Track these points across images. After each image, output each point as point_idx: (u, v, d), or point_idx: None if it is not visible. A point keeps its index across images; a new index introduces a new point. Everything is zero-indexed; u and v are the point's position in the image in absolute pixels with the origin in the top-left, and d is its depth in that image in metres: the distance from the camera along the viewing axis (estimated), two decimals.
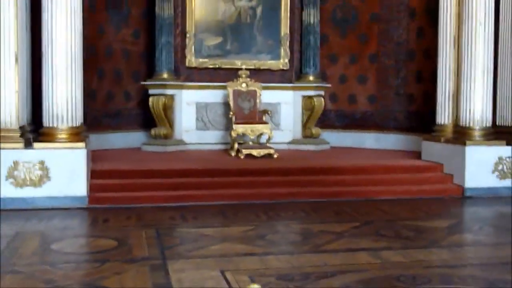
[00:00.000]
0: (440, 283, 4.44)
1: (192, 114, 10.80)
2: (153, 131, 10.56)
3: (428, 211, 7.41)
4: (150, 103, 10.40)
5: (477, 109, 8.47)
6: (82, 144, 7.38)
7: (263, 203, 7.65)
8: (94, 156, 8.88)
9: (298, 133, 11.20)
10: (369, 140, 11.32)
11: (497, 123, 8.84)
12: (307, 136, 11.16)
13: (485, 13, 8.38)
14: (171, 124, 10.62)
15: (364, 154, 10.41)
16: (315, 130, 11.16)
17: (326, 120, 11.65)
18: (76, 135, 7.48)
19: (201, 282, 4.49)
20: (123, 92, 10.89)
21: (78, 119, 7.61)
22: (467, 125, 8.54)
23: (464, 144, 8.39)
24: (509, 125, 8.67)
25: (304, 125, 11.17)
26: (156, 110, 10.39)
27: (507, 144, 8.50)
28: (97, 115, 10.43)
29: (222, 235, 6.05)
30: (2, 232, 5.90)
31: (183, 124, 10.75)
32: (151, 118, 10.64)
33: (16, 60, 7.17)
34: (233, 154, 9.75)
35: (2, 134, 7.07)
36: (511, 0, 8.63)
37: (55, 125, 7.37)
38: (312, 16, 11.02)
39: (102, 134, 10.40)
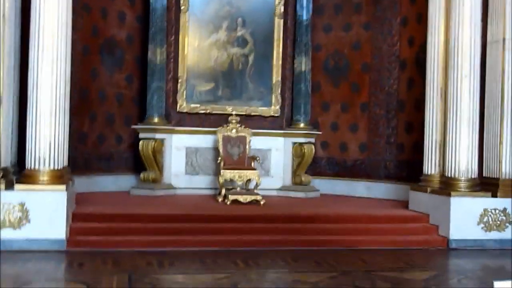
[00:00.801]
0: None
1: (181, 158, 10.83)
2: (142, 175, 10.58)
3: (409, 262, 7.27)
4: (140, 147, 10.45)
5: (462, 160, 8.43)
6: (62, 187, 7.36)
7: (244, 250, 7.55)
8: (80, 199, 8.91)
9: (288, 180, 11.17)
10: (360, 188, 11.27)
11: (484, 175, 8.79)
12: (297, 183, 11.11)
13: (470, 66, 8.42)
14: (160, 168, 10.63)
15: (353, 202, 10.36)
16: (305, 177, 11.12)
17: (317, 167, 11.65)
18: (58, 178, 7.47)
19: None
20: (114, 135, 10.94)
21: (61, 162, 7.61)
22: (453, 176, 8.48)
23: (449, 195, 8.33)
24: (496, 176, 8.60)
25: (294, 172, 11.14)
26: (146, 154, 10.42)
27: (493, 196, 8.42)
28: (88, 158, 10.49)
29: (194, 283, 5.97)
30: None
31: (172, 169, 10.77)
32: (141, 162, 10.65)
33: (0, 101, 7.24)
34: (220, 199, 9.71)
35: None
36: (498, 52, 8.65)
37: (37, 167, 7.36)
38: (303, 64, 11.12)
39: (93, 176, 10.47)
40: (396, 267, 7.01)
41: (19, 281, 5.77)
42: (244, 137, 10.46)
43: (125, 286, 5.67)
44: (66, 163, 8.09)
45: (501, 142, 8.55)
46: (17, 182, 7.37)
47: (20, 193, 7.23)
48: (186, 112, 10.95)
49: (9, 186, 7.25)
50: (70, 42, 7.98)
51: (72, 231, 7.54)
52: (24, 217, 7.20)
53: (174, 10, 10.88)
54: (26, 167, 7.46)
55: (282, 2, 11.20)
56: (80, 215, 7.91)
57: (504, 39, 8.54)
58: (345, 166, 11.55)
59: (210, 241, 7.75)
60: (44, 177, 7.38)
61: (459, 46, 8.47)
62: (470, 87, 8.45)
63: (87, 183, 10.14)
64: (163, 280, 6.01)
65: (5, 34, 7.32)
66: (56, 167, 7.47)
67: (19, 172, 7.69)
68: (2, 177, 7.20)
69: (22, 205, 7.19)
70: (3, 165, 7.36)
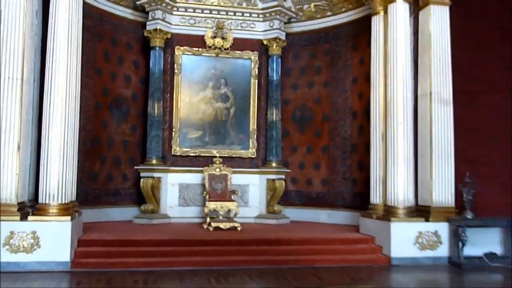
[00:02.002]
0: None
1: (175, 193, 10.64)
2: (142, 207, 10.41)
3: (355, 278, 7.07)
4: (141, 184, 10.33)
5: (400, 192, 8.35)
6: (68, 218, 7.22)
7: (219, 269, 7.34)
8: (89, 227, 8.75)
9: (263, 209, 10.94)
10: (323, 215, 11.08)
11: (418, 203, 8.66)
12: (271, 212, 10.90)
13: (403, 114, 8.44)
14: (157, 201, 10.46)
15: (316, 227, 10.12)
16: (277, 207, 10.93)
17: (288, 199, 11.48)
18: (65, 210, 7.34)
19: None
20: (121, 174, 10.78)
21: (69, 197, 7.49)
22: (393, 204, 8.39)
23: (390, 220, 8.21)
24: (428, 204, 8.46)
25: (268, 203, 10.92)
26: (145, 190, 10.28)
27: (426, 221, 8.29)
28: (98, 193, 10.32)
29: None
30: None
31: (168, 201, 10.57)
32: (142, 196, 10.50)
33: (18, 148, 7.15)
34: (205, 226, 9.53)
35: (2, 208, 6.97)
36: (426, 103, 8.61)
37: (47, 201, 7.28)
38: (274, 115, 11.07)
39: (102, 208, 10.30)
40: (344, 282, 6.83)
41: None
42: (226, 175, 10.35)
43: None
44: (74, 197, 7.94)
45: (431, 177, 8.44)
46: (32, 214, 7.25)
47: (33, 223, 7.11)
48: (179, 155, 10.84)
49: (24, 218, 7.14)
50: (78, 101, 7.90)
51: (76, 254, 7.38)
52: (36, 243, 7.06)
53: (169, 73, 10.89)
54: (39, 201, 7.38)
55: (257, 66, 11.22)
56: (84, 241, 7.75)
57: (430, 93, 8.55)
58: (311, 198, 11.39)
59: (191, 262, 7.54)
60: (53, 210, 7.28)
61: (394, 99, 8.52)
62: (404, 132, 8.45)
63: (97, 214, 10.02)
64: None
65: (23, 94, 7.26)
66: (63, 201, 7.37)
67: (34, 206, 7.54)
68: (18, 210, 7.08)
69: (34, 233, 7.08)
70: (20, 200, 7.23)
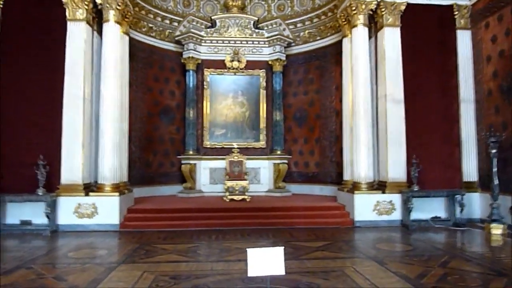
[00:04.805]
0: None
1: (206, 174, 10.84)
2: (183, 185, 10.73)
3: (319, 235, 6.92)
4: (182, 168, 10.64)
5: (362, 171, 8.13)
6: (117, 194, 7.62)
7: (222, 229, 7.43)
8: (143, 200, 9.13)
9: (271, 185, 10.94)
10: (316, 189, 10.94)
11: (380, 179, 8.41)
12: (277, 187, 10.88)
13: (363, 112, 8.19)
14: (194, 180, 10.73)
15: (309, 198, 9.97)
16: (281, 184, 10.91)
17: (292, 178, 11.40)
18: (115, 188, 7.74)
19: (124, 278, 4.44)
20: (169, 162, 11.11)
21: (118, 179, 7.88)
22: (357, 181, 8.18)
23: (354, 192, 8.02)
24: (385, 180, 8.19)
25: (275, 181, 10.94)
26: (185, 172, 10.59)
27: (383, 193, 8.03)
28: (152, 176, 10.68)
29: (173, 249, 5.86)
30: (64, 243, 6.12)
31: (201, 181, 10.80)
32: (183, 177, 10.81)
33: (83, 146, 7.62)
34: (225, 198, 9.69)
35: (72, 187, 7.48)
36: (383, 102, 8.31)
37: (103, 182, 7.71)
38: (278, 116, 11.03)
39: (155, 186, 10.65)
40: (308, 238, 6.67)
41: (75, 248, 5.99)
42: (242, 161, 10.43)
43: (131, 251, 5.72)
44: (125, 179, 8.34)
45: (387, 159, 8.16)
46: (93, 191, 7.70)
47: (93, 197, 7.55)
48: (209, 147, 11.03)
49: (87, 194, 7.58)
50: (126, 111, 8.31)
51: (125, 219, 7.74)
52: (95, 211, 7.49)
53: (200, 88, 11.11)
54: (98, 182, 7.80)
55: (265, 80, 11.19)
56: (132, 209, 8.09)
57: (385, 95, 8.24)
58: (308, 176, 11.26)
59: (203, 224, 7.69)
60: (107, 188, 7.68)
61: (357, 101, 8.27)
62: (365, 125, 8.19)
63: (152, 191, 10.42)
64: (157, 248, 5.93)
65: (85, 107, 7.73)
66: (114, 182, 7.75)
67: (95, 186, 7.99)
68: (83, 188, 7.55)
69: (93, 204, 7.50)
70: (86, 181, 7.71)
